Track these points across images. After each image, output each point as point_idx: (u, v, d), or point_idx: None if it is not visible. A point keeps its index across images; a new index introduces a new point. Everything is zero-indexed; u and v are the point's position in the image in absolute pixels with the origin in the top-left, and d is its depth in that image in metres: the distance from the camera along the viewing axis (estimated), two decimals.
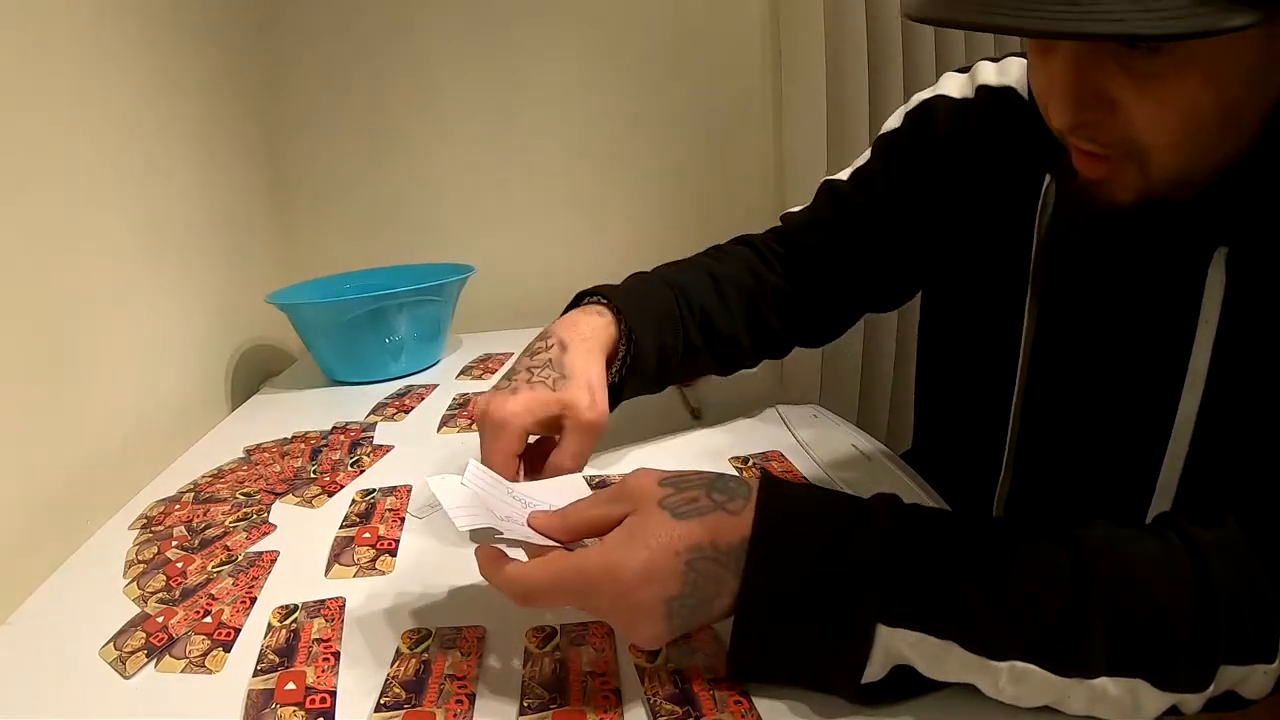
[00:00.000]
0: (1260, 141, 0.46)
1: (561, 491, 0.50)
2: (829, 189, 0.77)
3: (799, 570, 0.39)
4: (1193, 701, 0.38)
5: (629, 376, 0.68)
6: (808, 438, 0.76)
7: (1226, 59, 0.41)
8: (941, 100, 0.68)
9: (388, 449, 0.80)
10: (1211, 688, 0.38)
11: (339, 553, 0.59)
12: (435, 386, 1.01)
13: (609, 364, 0.66)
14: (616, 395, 0.68)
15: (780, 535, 0.40)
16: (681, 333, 0.71)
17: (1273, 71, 0.43)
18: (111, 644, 0.49)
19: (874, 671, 0.39)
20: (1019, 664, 0.37)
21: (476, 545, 0.44)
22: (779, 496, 0.42)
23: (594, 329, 0.65)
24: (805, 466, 0.70)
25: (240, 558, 0.59)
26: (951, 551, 0.40)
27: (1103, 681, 0.37)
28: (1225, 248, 0.48)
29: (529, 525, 0.44)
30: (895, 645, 0.38)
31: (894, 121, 0.72)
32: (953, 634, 0.38)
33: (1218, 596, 0.38)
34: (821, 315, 0.79)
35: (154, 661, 0.48)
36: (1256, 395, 0.47)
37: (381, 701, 0.42)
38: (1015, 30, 0.38)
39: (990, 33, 0.41)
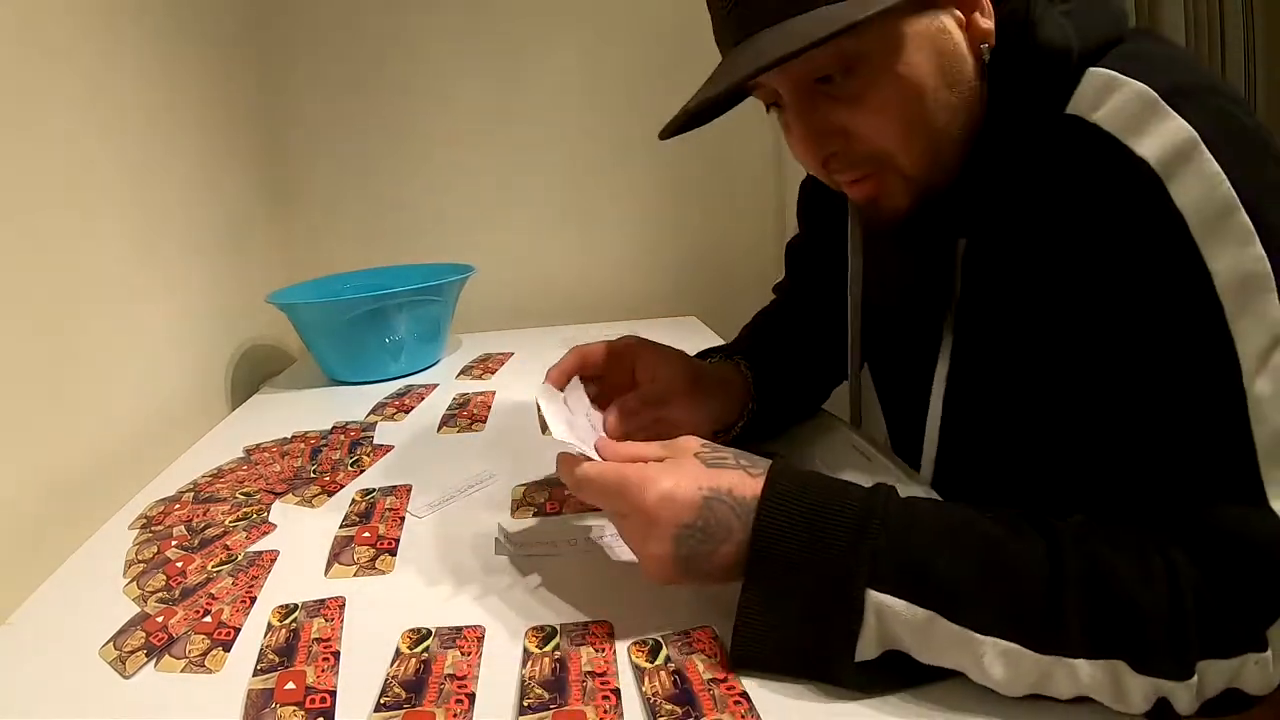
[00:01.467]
0: (980, 134, 0.52)
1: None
2: (789, 251, 0.86)
3: (798, 537, 0.42)
4: (1180, 694, 0.38)
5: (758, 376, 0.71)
6: (808, 438, 0.76)
7: (899, 52, 0.48)
8: None
9: (388, 449, 0.80)
10: (1195, 679, 0.38)
11: (339, 552, 0.59)
12: (435, 386, 1.01)
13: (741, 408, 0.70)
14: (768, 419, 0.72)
15: (783, 507, 0.43)
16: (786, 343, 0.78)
17: (948, 42, 0.49)
18: (111, 643, 0.49)
19: (868, 648, 0.40)
20: (1000, 641, 0.39)
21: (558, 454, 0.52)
22: (788, 472, 0.46)
23: (722, 371, 0.70)
24: (805, 466, 0.70)
25: (240, 557, 0.59)
26: (938, 532, 0.42)
27: (1083, 663, 0.38)
28: (964, 240, 0.56)
29: (595, 447, 0.52)
30: (885, 616, 0.40)
31: (804, 175, 0.81)
32: (936, 604, 0.39)
33: (1184, 588, 0.39)
34: (832, 362, 0.82)
35: (154, 661, 0.48)
36: (992, 369, 0.56)
37: (381, 701, 0.42)
38: (709, 103, 0.50)
39: (703, 117, 0.54)
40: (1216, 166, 0.41)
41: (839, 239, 0.73)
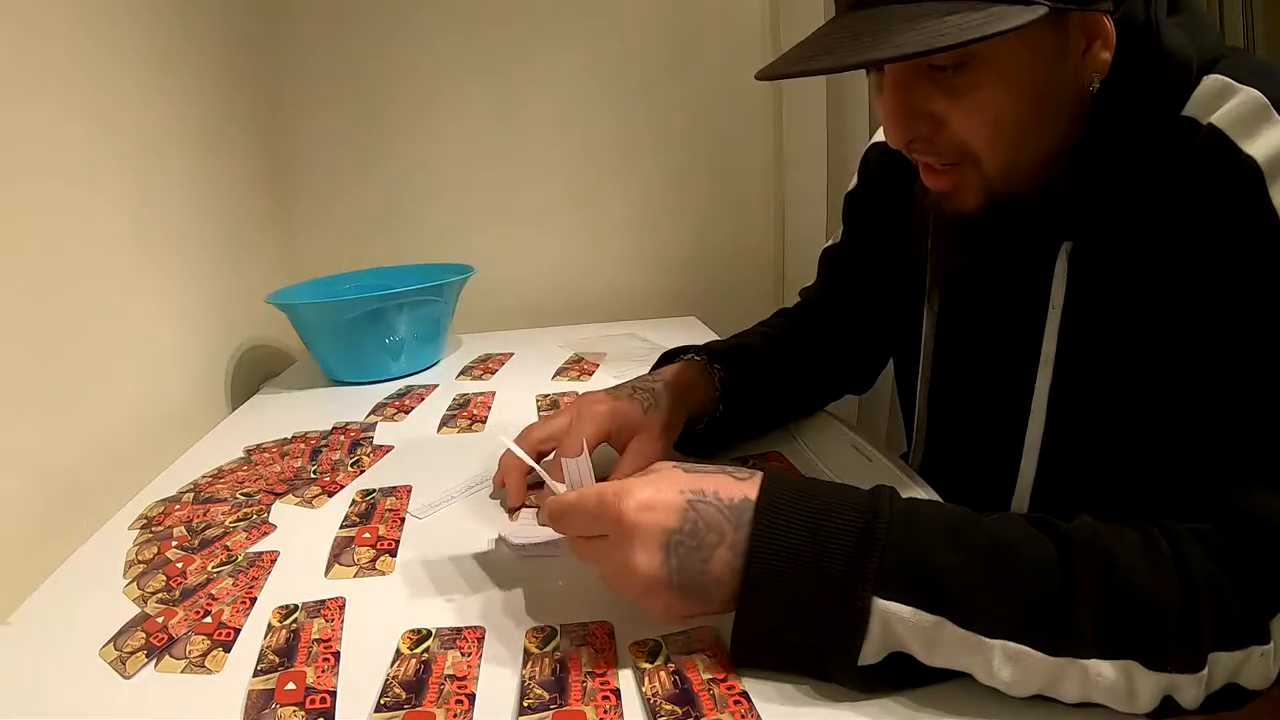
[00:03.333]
0: (1085, 137, 0.52)
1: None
2: (825, 258, 0.86)
3: (800, 543, 0.41)
4: (1188, 688, 0.38)
5: (728, 388, 0.71)
6: (808, 438, 0.76)
7: (1016, 61, 0.48)
8: (875, 147, 0.78)
9: (388, 449, 0.80)
10: (1205, 671, 0.38)
11: (339, 553, 0.59)
12: (435, 386, 1.01)
13: (702, 411, 0.71)
14: (723, 427, 0.72)
15: (783, 509, 0.42)
16: (763, 348, 0.78)
17: (1064, 64, 0.49)
18: (111, 644, 0.49)
19: (871, 653, 0.40)
20: (1010, 644, 0.38)
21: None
22: (783, 477, 0.45)
23: (689, 378, 0.70)
24: (805, 466, 0.70)
25: (240, 558, 0.59)
26: (944, 535, 0.42)
27: (1096, 664, 0.38)
28: (1069, 243, 0.55)
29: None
30: (891, 623, 0.39)
31: (852, 181, 0.81)
32: (944, 610, 0.39)
33: (1195, 578, 0.39)
34: (851, 371, 0.85)
35: (154, 661, 0.48)
36: (1099, 375, 0.55)
37: (381, 701, 0.42)
38: (829, 69, 0.48)
39: (818, 75, 0.55)
40: None
41: (888, 255, 0.74)
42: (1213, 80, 0.48)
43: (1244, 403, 0.44)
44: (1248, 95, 0.46)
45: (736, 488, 0.44)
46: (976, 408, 0.67)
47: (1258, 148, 0.45)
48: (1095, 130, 0.52)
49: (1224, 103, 0.47)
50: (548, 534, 0.59)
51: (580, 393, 0.93)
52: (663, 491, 0.43)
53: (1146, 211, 0.51)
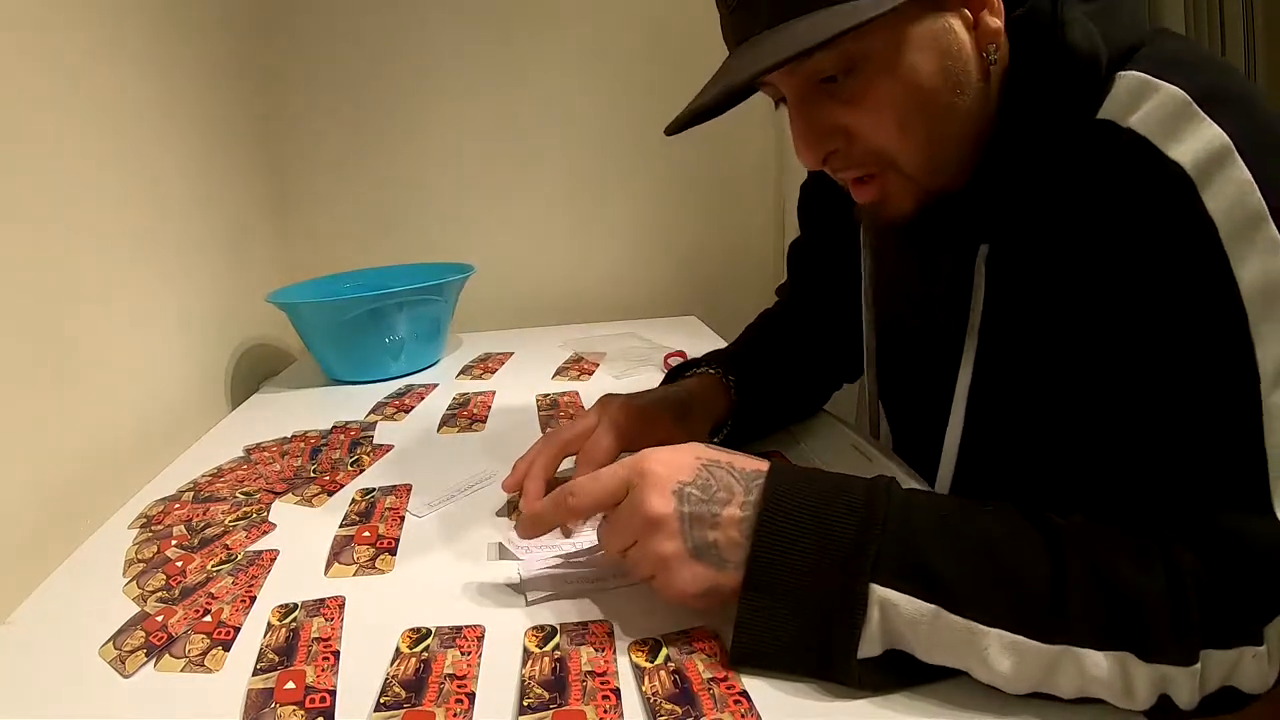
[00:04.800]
0: (994, 138, 0.51)
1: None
2: (790, 253, 0.86)
3: (801, 532, 0.42)
4: (1183, 683, 0.38)
5: (741, 397, 0.72)
6: (808, 438, 0.76)
7: (901, 52, 0.47)
8: None
9: (388, 448, 0.80)
10: (1198, 665, 0.38)
11: (339, 551, 0.59)
12: (435, 386, 1.01)
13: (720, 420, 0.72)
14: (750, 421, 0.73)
15: (787, 500, 0.44)
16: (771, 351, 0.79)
17: (954, 42, 0.48)
18: (111, 643, 0.49)
19: (871, 645, 0.40)
20: (1006, 633, 0.39)
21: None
22: (788, 468, 0.47)
23: (710, 391, 0.71)
24: (805, 466, 0.70)
25: (240, 556, 0.59)
26: (939, 526, 0.42)
27: (1090, 654, 0.38)
28: (986, 245, 0.55)
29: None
30: (889, 612, 0.40)
31: (804, 176, 0.81)
32: (940, 598, 0.40)
33: (1185, 576, 0.39)
34: (837, 362, 0.83)
35: (154, 660, 0.48)
36: (1016, 380, 0.54)
37: (381, 701, 0.42)
38: (714, 101, 0.49)
39: (709, 113, 0.53)
40: (1249, 174, 0.41)
41: (841, 243, 0.74)
42: (1129, 77, 0.46)
43: (1203, 425, 0.43)
44: (1167, 94, 0.43)
45: (751, 463, 0.47)
46: (910, 407, 0.69)
47: (1183, 152, 0.42)
48: (1003, 131, 0.51)
49: (1144, 103, 0.44)
50: (549, 545, 0.58)
51: (580, 393, 0.93)
52: (680, 454, 0.47)
53: (1067, 218, 0.49)
